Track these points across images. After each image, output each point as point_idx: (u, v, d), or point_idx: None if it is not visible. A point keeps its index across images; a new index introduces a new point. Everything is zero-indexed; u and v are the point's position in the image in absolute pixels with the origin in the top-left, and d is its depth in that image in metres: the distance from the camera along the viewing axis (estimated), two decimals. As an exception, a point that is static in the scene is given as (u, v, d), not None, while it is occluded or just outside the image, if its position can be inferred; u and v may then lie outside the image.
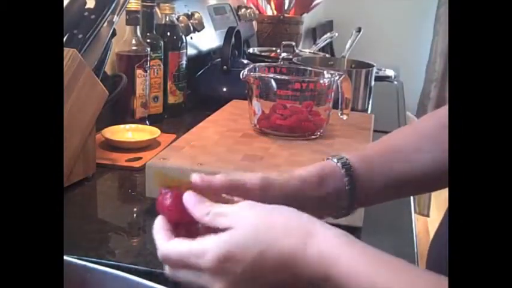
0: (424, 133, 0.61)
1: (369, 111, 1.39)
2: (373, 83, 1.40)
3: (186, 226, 0.47)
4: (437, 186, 0.62)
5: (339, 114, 0.97)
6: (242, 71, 0.92)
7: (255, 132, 0.93)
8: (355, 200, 0.57)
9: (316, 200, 0.55)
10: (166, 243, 0.45)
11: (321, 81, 0.93)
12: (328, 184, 0.55)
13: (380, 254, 0.44)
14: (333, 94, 0.94)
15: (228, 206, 0.46)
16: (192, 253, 0.43)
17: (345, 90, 0.93)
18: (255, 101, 0.93)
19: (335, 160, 0.57)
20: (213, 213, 0.45)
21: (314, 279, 0.41)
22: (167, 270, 0.47)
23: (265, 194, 0.51)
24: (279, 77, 0.92)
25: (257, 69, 0.94)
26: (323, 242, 0.43)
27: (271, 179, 0.52)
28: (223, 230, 0.43)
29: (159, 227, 0.47)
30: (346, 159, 0.57)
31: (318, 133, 0.93)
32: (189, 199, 0.46)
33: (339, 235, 0.44)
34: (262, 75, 0.92)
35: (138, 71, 1.11)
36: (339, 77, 0.92)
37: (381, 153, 0.60)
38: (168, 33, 1.24)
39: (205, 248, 0.42)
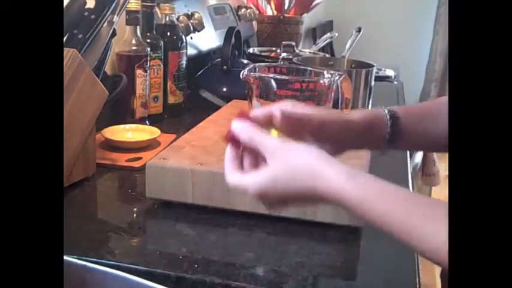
0: None
1: (369, 111, 1.39)
2: (373, 83, 1.40)
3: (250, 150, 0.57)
4: None
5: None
6: (242, 71, 0.91)
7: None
8: (395, 144, 0.67)
9: (362, 140, 0.67)
10: (227, 174, 0.56)
11: (321, 81, 0.92)
12: (376, 128, 0.66)
13: (382, 184, 0.53)
14: (333, 94, 0.93)
15: (269, 138, 0.55)
16: (240, 187, 0.55)
17: (345, 90, 0.93)
18: (255, 101, 0.92)
19: (386, 110, 0.67)
20: (253, 141, 0.55)
21: (334, 203, 0.52)
22: None
23: (321, 131, 0.62)
24: (279, 76, 0.92)
25: (257, 69, 0.93)
26: (329, 179, 0.51)
27: (327, 120, 0.63)
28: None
29: (226, 158, 0.57)
30: (395, 111, 0.67)
31: None
32: (240, 128, 0.56)
33: (341, 173, 0.51)
34: (262, 75, 0.92)
35: (138, 71, 1.11)
36: (339, 77, 0.92)
37: (421, 112, 0.70)
38: (168, 33, 1.24)
39: (247, 185, 0.54)
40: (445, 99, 0.69)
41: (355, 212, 0.52)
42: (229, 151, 0.57)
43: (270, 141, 0.55)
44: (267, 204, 0.57)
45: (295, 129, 0.60)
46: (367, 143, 0.69)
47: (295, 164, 0.53)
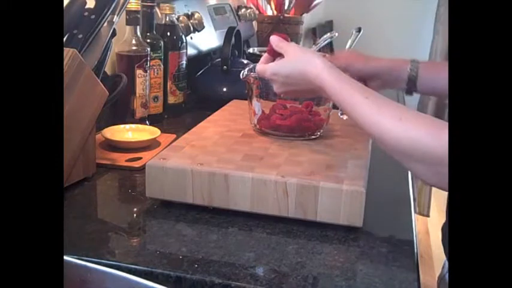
0: None
1: (369, 111, 1.39)
2: (373, 83, 1.40)
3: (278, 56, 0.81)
4: None
5: (339, 115, 0.97)
6: (242, 71, 0.92)
7: (255, 132, 0.93)
8: (413, 88, 0.91)
9: (386, 79, 0.92)
10: (257, 65, 0.82)
11: None
12: (398, 72, 0.91)
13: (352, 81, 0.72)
14: None
15: (289, 45, 0.79)
16: (263, 70, 0.80)
17: None
18: (255, 101, 0.93)
19: (409, 60, 0.92)
20: (279, 45, 0.80)
21: (317, 87, 0.73)
22: None
23: (349, 66, 0.90)
24: None
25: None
26: (317, 67, 0.73)
27: (356, 61, 0.91)
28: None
29: (262, 58, 0.83)
30: (418, 62, 0.91)
31: (318, 133, 0.92)
32: (273, 38, 0.81)
33: (326, 67, 0.72)
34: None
35: (138, 71, 1.11)
36: None
37: (438, 70, 0.92)
38: (168, 33, 1.24)
39: (267, 68, 0.80)
40: None
41: (330, 94, 0.71)
42: (265, 55, 0.82)
43: (288, 45, 0.79)
44: (277, 84, 0.79)
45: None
46: (391, 81, 0.91)
47: (298, 54, 0.76)
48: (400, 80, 0.91)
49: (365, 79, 0.89)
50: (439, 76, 0.90)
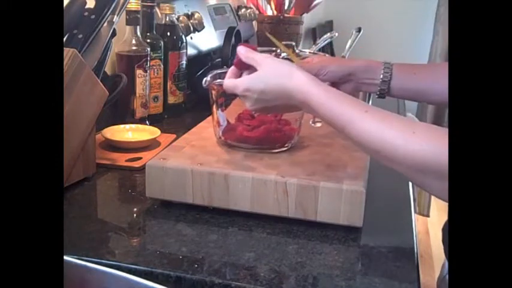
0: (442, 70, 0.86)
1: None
2: (373, 83, 1.40)
3: (247, 69, 0.73)
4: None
5: (311, 123, 0.88)
6: (204, 79, 0.83)
7: (219, 145, 0.85)
8: (386, 90, 0.86)
9: (359, 80, 0.86)
10: (225, 80, 0.74)
11: None
12: (373, 71, 0.85)
13: (339, 93, 0.66)
14: None
15: (259, 55, 0.71)
16: (233, 86, 0.72)
17: None
18: (219, 111, 0.85)
19: (382, 62, 0.86)
20: (249, 57, 0.72)
21: (299, 102, 0.67)
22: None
23: (323, 68, 0.83)
24: None
25: (221, 76, 0.82)
26: (299, 81, 0.67)
27: (329, 63, 0.84)
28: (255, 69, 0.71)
29: (228, 72, 0.75)
30: (391, 64, 0.86)
31: (289, 145, 0.85)
32: (241, 49, 0.73)
33: (310, 79, 0.67)
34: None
35: (138, 71, 1.11)
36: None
37: (412, 69, 0.87)
38: (168, 33, 1.24)
39: (237, 84, 0.71)
40: (439, 68, 0.87)
41: (316, 108, 0.65)
42: (232, 68, 0.74)
43: (259, 56, 0.71)
44: (250, 101, 0.71)
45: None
46: (365, 82, 0.86)
47: (274, 67, 0.69)
48: (374, 80, 0.85)
49: (337, 83, 0.84)
50: (413, 76, 0.86)
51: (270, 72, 0.69)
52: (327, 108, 0.64)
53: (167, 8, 1.23)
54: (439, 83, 0.84)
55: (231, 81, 0.72)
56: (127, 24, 1.10)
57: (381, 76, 0.84)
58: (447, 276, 0.80)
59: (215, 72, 0.85)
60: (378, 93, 0.86)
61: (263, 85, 0.69)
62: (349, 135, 0.63)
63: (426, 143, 0.56)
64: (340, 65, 0.85)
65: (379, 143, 0.60)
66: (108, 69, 1.03)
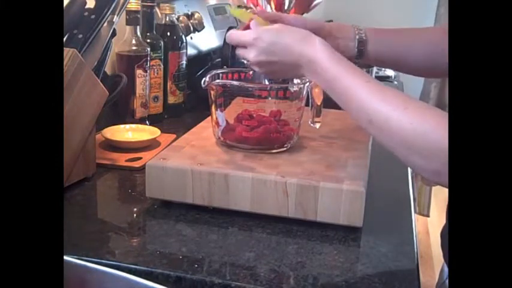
0: (424, 35, 0.86)
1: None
2: (373, 83, 1.40)
3: None
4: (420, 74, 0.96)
5: (310, 123, 0.87)
6: (203, 79, 0.81)
7: (219, 145, 0.85)
8: (363, 55, 0.83)
9: (336, 39, 0.82)
10: (234, 30, 0.76)
11: (291, 89, 0.83)
12: (347, 32, 0.83)
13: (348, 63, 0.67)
14: (303, 102, 0.85)
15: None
16: (241, 34, 0.74)
17: (316, 97, 0.84)
18: (218, 111, 0.84)
19: (354, 26, 0.84)
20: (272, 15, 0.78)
21: (307, 60, 0.68)
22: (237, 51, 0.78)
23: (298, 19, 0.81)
24: (236, 83, 0.84)
25: (220, 76, 0.86)
26: (314, 41, 0.69)
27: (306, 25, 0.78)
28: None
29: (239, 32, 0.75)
30: (364, 30, 0.83)
31: (288, 145, 0.84)
32: (253, 24, 0.74)
33: (324, 43, 0.68)
34: (226, 81, 0.84)
35: (138, 71, 1.11)
36: (309, 84, 0.83)
37: (389, 34, 0.86)
38: (168, 33, 1.24)
39: (246, 33, 0.73)
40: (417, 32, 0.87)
41: (321, 70, 0.67)
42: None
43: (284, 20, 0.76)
44: (256, 50, 0.72)
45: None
46: (340, 43, 0.82)
47: (291, 27, 0.71)
48: (349, 42, 0.82)
49: None
50: (389, 40, 0.84)
51: (286, 28, 0.71)
52: (332, 72, 0.65)
53: (167, 8, 1.23)
54: (416, 45, 0.84)
55: (237, 31, 0.74)
56: (127, 24, 1.10)
57: (357, 37, 0.82)
58: (447, 281, 0.79)
59: (214, 72, 0.85)
60: (357, 54, 0.83)
61: (275, 37, 0.71)
62: (343, 102, 0.65)
63: (417, 121, 0.57)
64: (315, 21, 0.82)
65: (373, 114, 0.61)
66: (108, 69, 1.03)
